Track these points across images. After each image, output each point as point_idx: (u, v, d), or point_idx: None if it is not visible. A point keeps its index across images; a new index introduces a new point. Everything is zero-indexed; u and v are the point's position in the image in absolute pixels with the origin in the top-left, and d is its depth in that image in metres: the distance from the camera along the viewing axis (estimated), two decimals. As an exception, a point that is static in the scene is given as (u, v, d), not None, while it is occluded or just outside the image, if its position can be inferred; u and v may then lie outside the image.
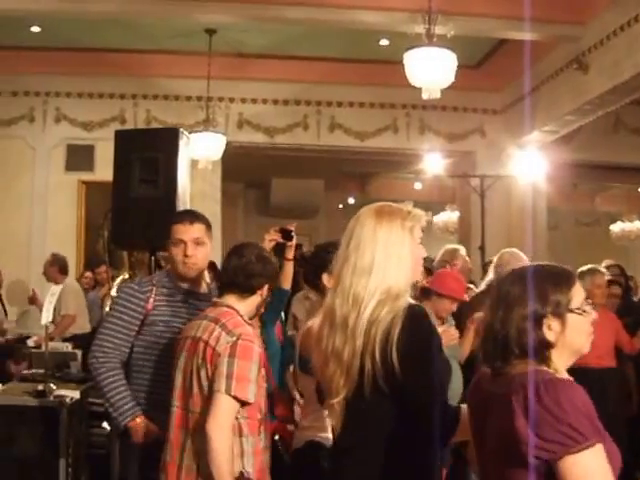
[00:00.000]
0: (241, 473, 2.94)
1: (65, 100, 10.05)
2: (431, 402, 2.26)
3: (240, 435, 2.98)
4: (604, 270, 6.15)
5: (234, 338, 2.96)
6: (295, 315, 5.99)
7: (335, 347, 2.32)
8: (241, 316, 3.13)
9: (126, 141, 4.93)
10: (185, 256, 3.54)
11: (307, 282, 3.95)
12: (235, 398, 2.90)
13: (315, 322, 2.78)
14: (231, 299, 3.20)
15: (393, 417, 2.26)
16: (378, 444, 2.27)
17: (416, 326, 2.26)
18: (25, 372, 6.22)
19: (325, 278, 3.60)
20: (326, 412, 2.61)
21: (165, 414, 3.15)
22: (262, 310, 3.57)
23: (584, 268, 5.79)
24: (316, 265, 3.66)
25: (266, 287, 3.34)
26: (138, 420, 3.41)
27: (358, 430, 2.32)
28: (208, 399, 2.95)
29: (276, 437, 3.60)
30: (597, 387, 4.66)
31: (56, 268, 7.91)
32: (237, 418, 2.96)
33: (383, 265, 2.33)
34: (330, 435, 2.64)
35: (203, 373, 2.99)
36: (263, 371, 3.13)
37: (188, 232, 3.57)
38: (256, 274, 3.24)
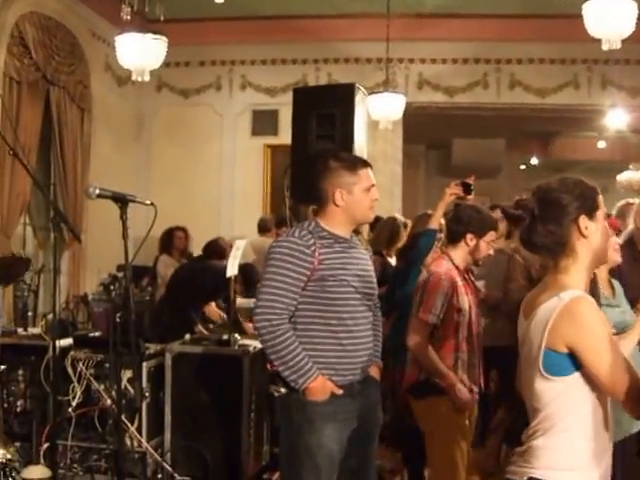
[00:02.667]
0: None
1: (250, 67, 10.42)
2: None
3: None
4: None
5: None
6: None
7: None
8: None
9: (304, 98, 5.09)
10: (374, 200, 3.49)
11: None
12: None
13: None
14: None
15: None
16: None
17: None
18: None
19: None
20: None
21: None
22: None
23: None
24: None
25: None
26: (319, 380, 3.31)
27: None
28: None
29: None
30: None
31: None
32: None
33: None
34: None
35: None
36: None
37: (372, 176, 3.52)
38: None
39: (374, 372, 3.60)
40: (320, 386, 3.32)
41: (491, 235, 4.24)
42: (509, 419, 3.04)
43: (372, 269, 3.63)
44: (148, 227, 3.59)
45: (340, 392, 3.36)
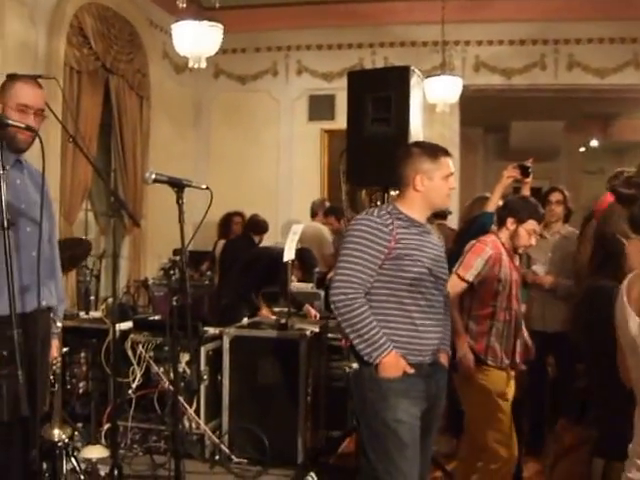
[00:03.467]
0: None
1: (305, 53, 10.38)
2: None
3: None
4: None
5: None
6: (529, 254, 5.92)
7: None
8: None
9: (359, 82, 5.06)
10: (451, 189, 3.56)
11: None
12: None
13: None
14: None
15: None
16: None
17: None
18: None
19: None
20: None
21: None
22: None
23: None
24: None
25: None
26: (393, 355, 3.36)
27: None
28: None
29: None
30: None
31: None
32: None
33: None
34: None
35: None
36: None
37: (452, 166, 3.60)
38: None
39: (443, 359, 3.64)
40: (393, 362, 3.37)
41: (531, 224, 4.40)
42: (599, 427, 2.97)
43: (445, 257, 3.68)
44: (210, 213, 3.64)
45: (412, 371, 3.40)
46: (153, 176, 3.42)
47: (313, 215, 8.89)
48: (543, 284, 5.85)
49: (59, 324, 3.74)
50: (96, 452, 3.98)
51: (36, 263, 3.15)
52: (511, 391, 4.47)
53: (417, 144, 3.81)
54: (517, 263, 4.54)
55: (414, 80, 4.89)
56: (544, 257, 5.93)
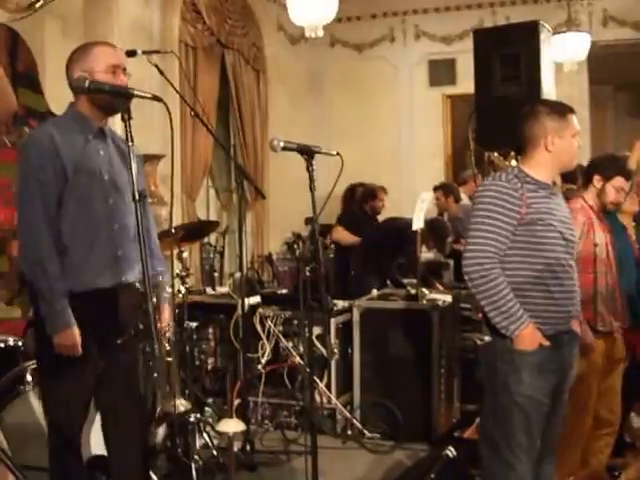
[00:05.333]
0: None
1: (423, 17, 10.16)
2: None
3: None
4: None
5: None
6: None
7: None
8: None
9: (485, 40, 4.88)
10: (577, 148, 3.42)
11: None
12: None
13: None
14: None
15: None
16: None
17: None
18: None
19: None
20: None
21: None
22: None
23: None
24: None
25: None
26: (530, 327, 3.24)
27: None
28: None
29: None
30: None
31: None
32: None
33: None
34: None
35: None
36: None
37: (577, 124, 3.45)
38: None
39: (576, 326, 3.52)
40: (530, 334, 3.25)
41: (619, 180, 4.31)
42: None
43: (571, 218, 3.56)
44: (330, 184, 3.53)
45: (548, 344, 3.28)
46: (282, 144, 3.32)
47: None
48: None
49: (169, 289, 3.74)
50: (231, 426, 3.92)
51: (129, 233, 3.24)
52: (621, 353, 4.42)
53: (542, 102, 3.73)
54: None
55: (543, 35, 4.67)
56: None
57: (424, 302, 5.55)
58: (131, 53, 3.83)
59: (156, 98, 2.88)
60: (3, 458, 1.54)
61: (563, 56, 8.41)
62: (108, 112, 3.24)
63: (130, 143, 2.79)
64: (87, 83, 2.90)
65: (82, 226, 3.15)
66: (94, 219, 3.16)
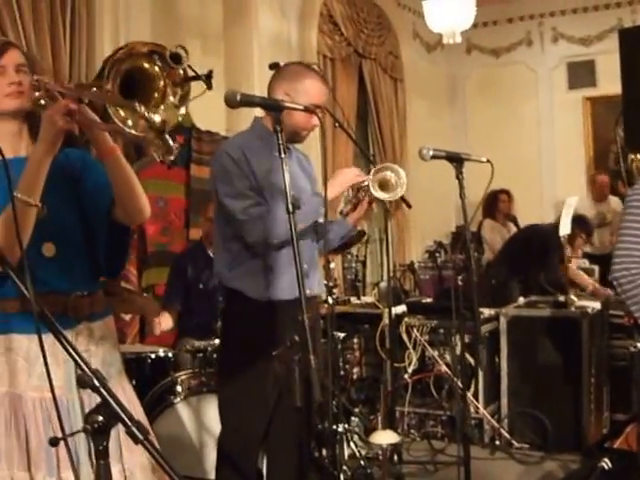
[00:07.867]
0: None
1: (560, 18, 9.96)
2: None
3: None
4: None
5: None
6: None
7: None
8: None
9: (630, 39, 4.76)
10: None
11: None
12: None
13: None
14: None
15: None
16: None
17: None
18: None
19: None
20: None
21: None
22: None
23: None
24: None
25: None
26: None
27: None
28: None
29: None
30: None
31: None
32: None
33: None
34: None
35: None
36: None
37: None
38: None
39: None
40: None
41: None
42: None
43: None
44: (471, 192, 3.52)
45: None
46: (431, 152, 3.33)
47: None
48: None
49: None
50: (385, 437, 3.94)
51: (309, 249, 3.28)
52: None
53: None
54: None
55: None
56: None
57: (573, 309, 5.44)
58: (273, 66, 3.89)
59: (309, 110, 2.89)
60: (163, 464, 1.59)
61: None
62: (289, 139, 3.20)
63: (283, 155, 2.78)
64: (239, 97, 2.91)
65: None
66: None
